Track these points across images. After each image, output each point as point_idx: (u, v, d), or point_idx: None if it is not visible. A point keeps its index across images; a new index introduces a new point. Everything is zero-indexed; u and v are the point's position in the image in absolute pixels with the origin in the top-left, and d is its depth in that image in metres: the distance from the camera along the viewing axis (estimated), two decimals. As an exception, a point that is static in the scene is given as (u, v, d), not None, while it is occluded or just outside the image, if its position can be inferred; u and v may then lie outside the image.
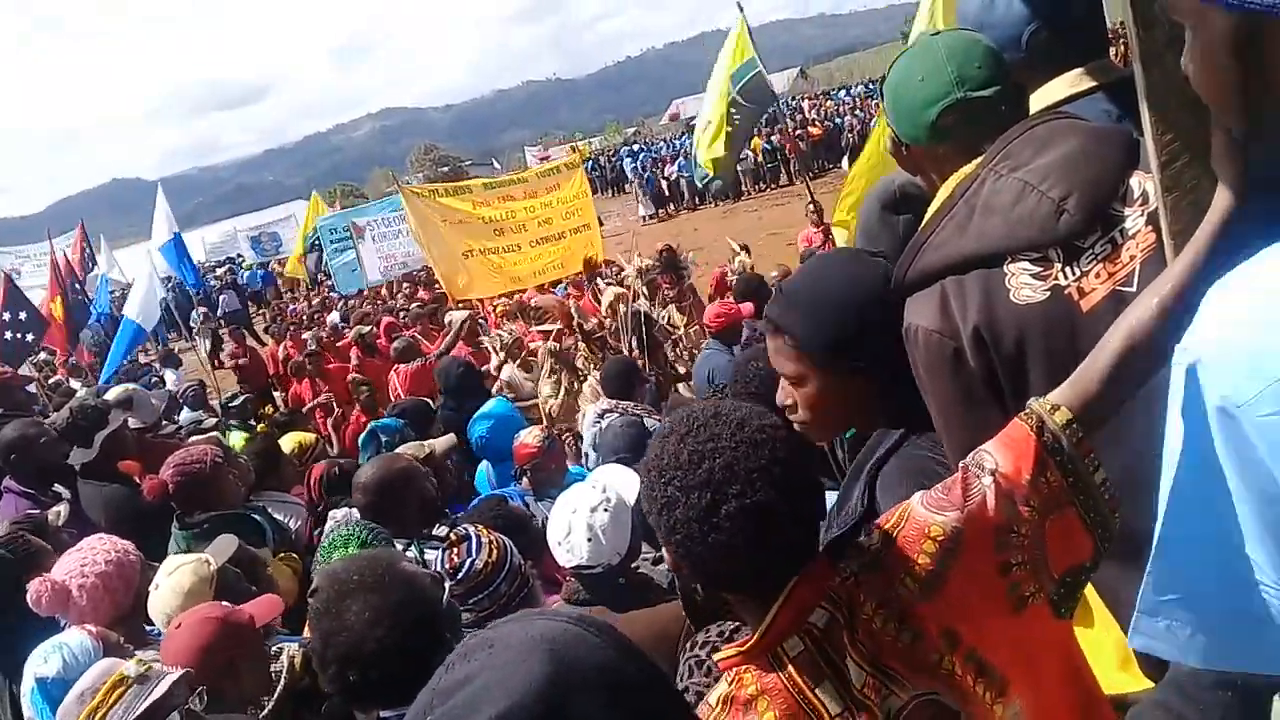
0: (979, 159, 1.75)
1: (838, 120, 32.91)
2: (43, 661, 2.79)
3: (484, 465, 5.17)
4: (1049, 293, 1.59)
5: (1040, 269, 1.60)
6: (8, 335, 11.09)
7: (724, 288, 9.22)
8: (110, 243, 15.89)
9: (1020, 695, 1.33)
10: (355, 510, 3.88)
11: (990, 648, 1.32)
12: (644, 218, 30.69)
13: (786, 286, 1.93)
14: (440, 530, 3.82)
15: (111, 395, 6.25)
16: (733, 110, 10.17)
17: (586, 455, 5.35)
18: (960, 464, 1.37)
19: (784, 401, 1.88)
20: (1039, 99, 1.92)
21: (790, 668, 1.31)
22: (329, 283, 21.37)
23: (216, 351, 17.33)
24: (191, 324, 16.78)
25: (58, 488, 4.53)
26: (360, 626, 1.93)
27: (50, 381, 13.11)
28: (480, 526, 2.96)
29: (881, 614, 1.32)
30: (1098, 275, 1.57)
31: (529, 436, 4.64)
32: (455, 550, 2.84)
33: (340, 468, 4.44)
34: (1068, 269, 1.59)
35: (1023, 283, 1.61)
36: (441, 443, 4.92)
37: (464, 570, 2.78)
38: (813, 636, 1.32)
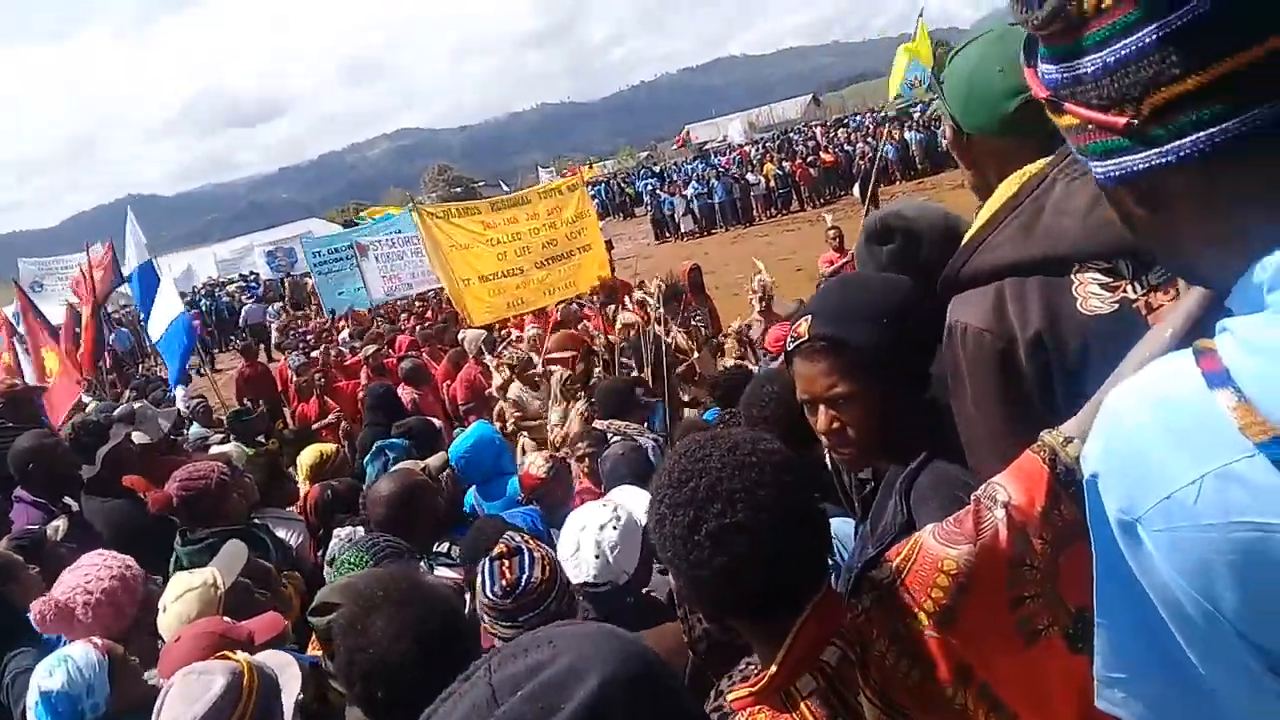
0: (1041, 161, 1.69)
1: (849, 148, 32.99)
2: (48, 675, 2.78)
3: (472, 489, 5.18)
4: (1117, 305, 1.52)
5: (1109, 280, 1.54)
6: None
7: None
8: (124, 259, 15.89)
9: None
10: (359, 529, 3.90)
11: (1003, 683, 1.30)
12: (654, 241, 30.77)
13: (826, 304, 1.91)
14: (442, 547, 3.84)
15: (118, 411, 6.28)
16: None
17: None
18: (973, 496, 1.36)
19: (828, 426, 1.84)
20: None
21: (803, 706, 1.30)
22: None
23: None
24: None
25: (68, 500, 4.54)
26: (385, 641, 1.92)
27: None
28: (529, 539, 2.77)
29: (894, 650, 1.30)
30: (1166, 292, 1.49)
31: (535, 467, 4.62)
32: (508, 564, 2.59)
33: (334, 490, 4.43)
34: (1136, 283, 1.52)
35: (1090, 292, 1.54)
36: (435, 461, 4.96)
37: (521, 586, 2.54)
38: (825, 674, 1.31)
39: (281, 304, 27.97)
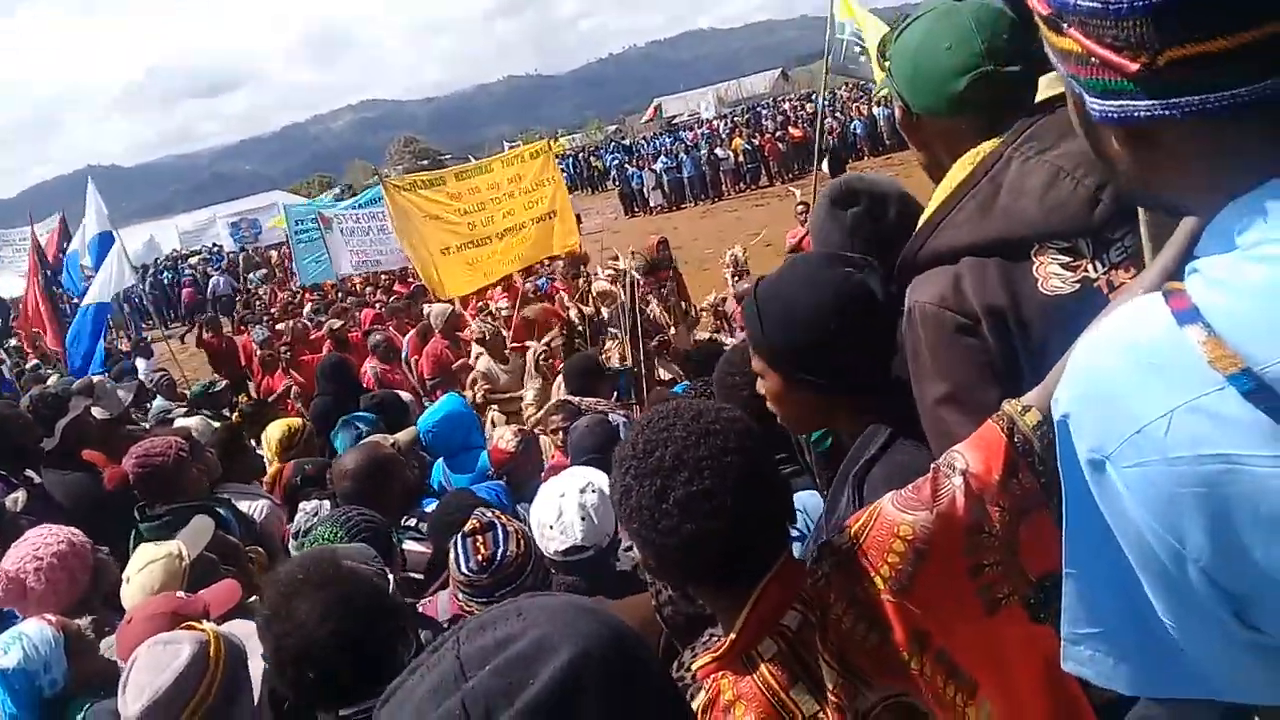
0: (994, 139, 1.69)
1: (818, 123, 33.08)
2: (2, 653, 2.74)
3: (439, 461, 5.14)
4: (1079, 284, 1.54)
5: (1070, 259, 1.55)
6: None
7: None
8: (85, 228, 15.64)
9: (991, 698, 1.33)
10: (324, 503, 3.86)
11: (961, 649, 1.31)
12: (623, 215, 30.75)
13: (759, 287, 1.90)
14: (409, 521, 3.80)
15: (76, 384, 6.17)
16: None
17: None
18: (933, 464, 1.36)
19: (759, 390, 1.90)
20: (1048, 84, 1.79)
21: (764, 669, 1.31)
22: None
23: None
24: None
25: (29, 472, 4.45)
26: (311, 623, 1.89)
27: (27, 367, 12.98)
28: (502, 514, 2.75)
29: (851, 614, 1.31)
30: (1127, 270, 1.52)
31: (503, 441, 4.60)
32: (481, 539, 2.58)
33: (305, 471, 4.39)
34: (1097, 261, 1.54)
35: (1051, 272, 1.56)
36: (404, 435, 4.92)
37: (496, 561, 2.54)
38: (785, 638, 1.32)
39: (256, 274, 27.87)
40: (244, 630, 2.43)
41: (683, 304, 9.22)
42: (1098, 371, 0.91)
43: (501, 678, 0.81)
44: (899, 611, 1.30)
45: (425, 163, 50.12)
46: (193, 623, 2.44)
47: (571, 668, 0.81)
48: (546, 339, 7.96)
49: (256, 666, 2.36)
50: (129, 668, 2.25)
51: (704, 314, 9.95)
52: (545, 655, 0.82)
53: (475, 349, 8.30)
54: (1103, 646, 1.02)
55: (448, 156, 56.30)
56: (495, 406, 7.57)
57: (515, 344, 8.49)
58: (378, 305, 13.23)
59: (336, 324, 11.11)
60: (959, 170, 1.73)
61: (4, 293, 17.27)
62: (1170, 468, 0.83)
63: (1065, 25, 0.91)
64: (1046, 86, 1.76)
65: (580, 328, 8.24)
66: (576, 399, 5.44)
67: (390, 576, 2.54)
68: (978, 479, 1.30)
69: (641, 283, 8.30)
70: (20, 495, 4.13)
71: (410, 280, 15.23)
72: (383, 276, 16.98)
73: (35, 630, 2.79)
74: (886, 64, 1.93)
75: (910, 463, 1.68)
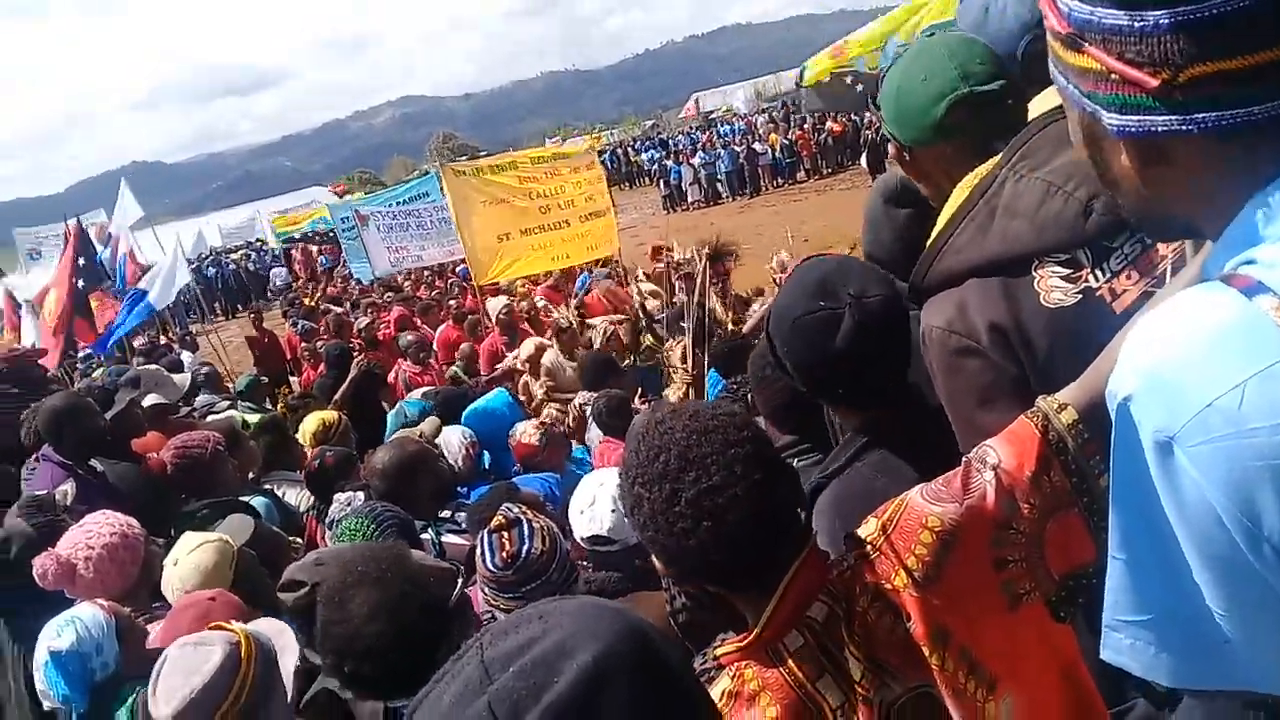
0: (993, 159, 1.73)
1: (856, 117, 32.77)
2: (56, 635, 2.80)
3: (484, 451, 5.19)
4: (1080, 295, 1.56)
5: (1070, 271, 1.58)
6: (78, 283, 11.05)
7: None
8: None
9: (1010, 694, 1.33)
10: (358, 495, 3.91)
11: (981, 644, 1.32)
12: (661, 211, 30.70)
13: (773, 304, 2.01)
14: (445, 512, 3.85)
15: (123, 377, 6.29)
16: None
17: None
18: (964, 458, 1.37)
19: None
20: (1037, 106, 1.86)
21: (791, 662, 1.32)
22: (343, 272, 21.54)
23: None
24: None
25: (93, 462, 4.50)
26: (358, 620, 1.95)
27: (78, 358, 13.23)
28: (528, 510, 2.75)
29: (876, 606, 1.32)
30: (1129, 276, 1.54)
31: (526, 436, 4.63)
32: (507, 535, 2.58)
33: (323, 460, 4.44)
34: (1098, 270, 1.56)
35: (1053, 285, 1.58)
36: (427, 426, 4.98)
37: (521, 558, 2.53)
38: (812, 630, 1.32)
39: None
40: (273, 629, 2.45)
41: (744, 296, 8.99)
42: (1162, 352, 0.90)
43: (526, 678, 0.82)
44: (922, 605, 1.30)
45: (464, 158, 50.35)
46: (222, 623, 2.45)
47: (595, 666, 0.82)
48: (607, 330, 7.87)
49: (287, 665, 2.38)
50: (158, 669, 2.26)
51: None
52: (568, 655, 0.83)
53: (525, 348, 8.15)
54: (1145, 635, 1.01)
55: (485, 153, 56.52)
56: (555, 405, 7.32)
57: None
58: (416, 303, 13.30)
59: (365, 322, 11.18)
60: (959, 194, 1.77)
61: (29, 293, 17.61)
62: (1245, 440, 0.82)
63: (1085, 43, 0.93)
64: (1039, 104, 1.81)
65: (642, 322, 8.10)
66: (591, 395, 5.49)
67: (459, 581, 2.57)
68: (1009, 474, 1.30)
69: (708, 274, 8.17)
70: (69, 487, 4.20)
71: (448, 275, 15.31)
72: (424, 273, 17.07)
73: (89, 614, 2.85)
74: (876, 108, 2.05)
75: (859, 487, 1.77)
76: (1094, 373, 1.32)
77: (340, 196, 26.41)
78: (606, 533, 2.66)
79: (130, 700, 2.78)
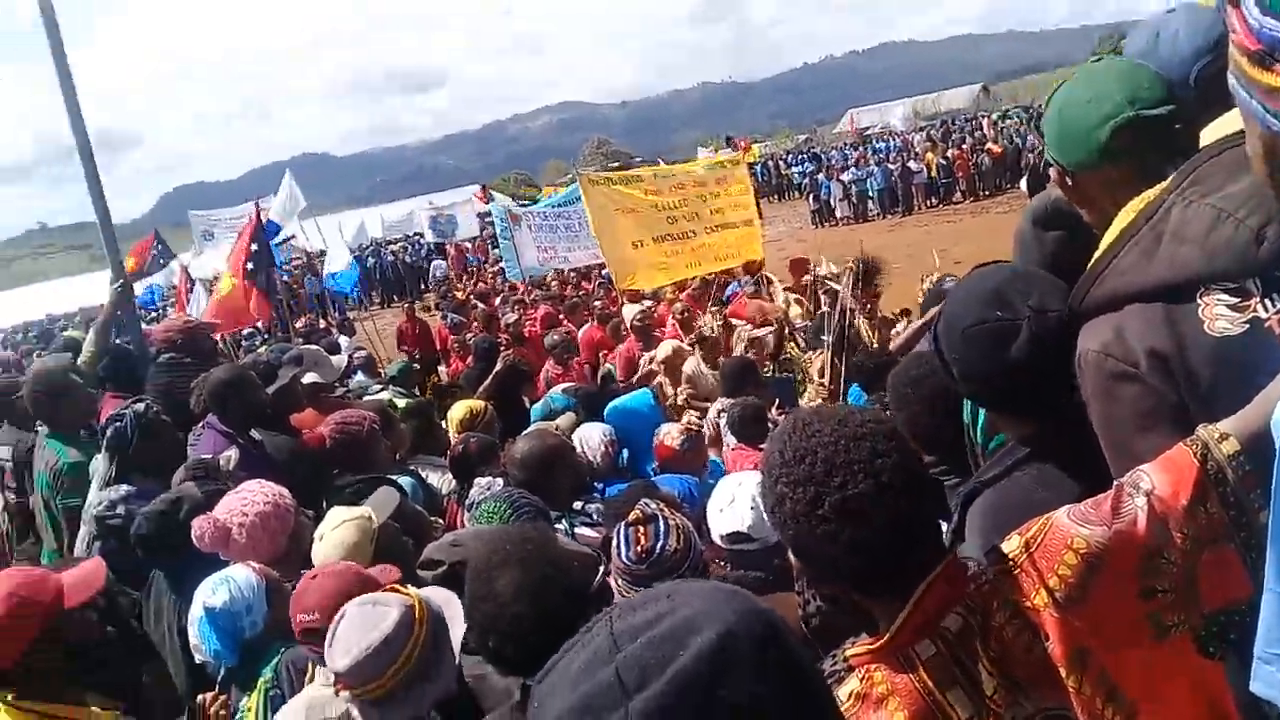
0: (1160, 184, 1.68)
1: (1018, 139, 31.79)
2: (211, 592, 2.96)
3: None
4: (1248, 325, 1.49)
5: (1238, 300, 1.51)
6: (250, 267, 11.73)
7: None
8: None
9: None
10: (497, 480, 4.00)
11: (1123, 672, 1.29)
12: (809, 225, 30.48)
13: (944, 303, 1.98)
14: (578, 505, 3.91)
15: (287, 355, 6.59)
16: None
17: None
18: (1115, 482, 1.34)
19: None
20: (1211, 133, 1.80)
21: (921, 670, 1.31)
22: (495, 268, 22.17)
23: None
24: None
25: (254, 432, 4.75)
26: (504, 599, 2.03)
27: (241, 333, 14.03)
28: (665, 507, 2.76)
29: (1014, 623, 1.31)
30: None
31: (669, 438, 4.65)
32: (643, 530, 2.59)
33: (467, 445, 4.55)
34: (1268, 300, 1.49)
35: (1218, 314, 1.52)
36: (564, 421, 5.06)
37: (656, 553, 2.55)
38: (945, 640, 1.32)
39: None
40: (442, 598, 2.53)
41: (890, 316, 8.79)
42: None
43: (654, 649, 0.84)
44: (1062, 626, 1.28)
45: (616, 165, 50.94)
46: (397, 586, 2.54)
47: (720, 641, 0.84)
48: (754, 336, 7.83)
49: (456, 634, 2.43)
50: (335, 624, 2.35)
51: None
52: (695, 630, 0.85)
53: (662, 349, 8.15)
54: None
55: (639, 160, 57.12)
56: (694, 413, 7.40)
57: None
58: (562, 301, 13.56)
59: (512, 318, 11.40)
60: (1124, 217, 1.73)
61: (202, 272, 18.63)
62: None
63: (1277, 61, 0.89)
64: (1210, 133, 1.75)
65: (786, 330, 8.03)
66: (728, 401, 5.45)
67: (601, 568, 2.61)
68: (1162, 502, 1.28)
69: (855, 293, 7.99)
70: (232, 453, 4.43)
71: (594, 278, 15.53)
72: (570, 274, 17.36)
73: (242, 575, 3.01)
74: (1039, 132, 2.04)
75: (1006, 503, 1.73)
76: (1259, 404, 1.29)
77: (485, 201, 27.36)
78: (747, 529, 2.69)
79: (275, 660, 2.92)
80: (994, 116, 44.02)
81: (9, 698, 2.43)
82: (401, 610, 2.32)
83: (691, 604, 0.89)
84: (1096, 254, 1.74)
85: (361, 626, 2.29)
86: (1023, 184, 23.99)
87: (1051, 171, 2.00)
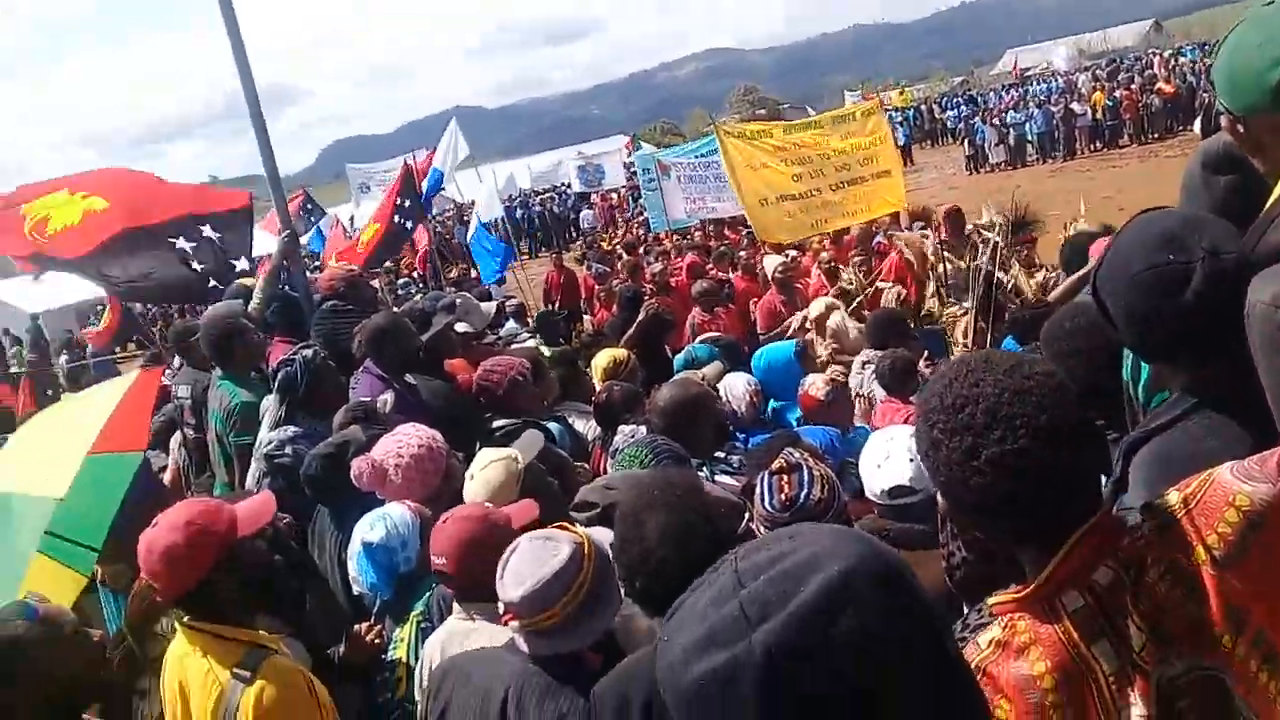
0: None
1: (1193, 78, 29.73)
2: (369, 529, 3.12)
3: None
4: None
5: None
6: (396, 220, 12.21)
7: None
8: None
9: None
10: (640, 427, 4.06)
11: None
12: (963, 171, 29.39)
13: (1108, 246, 1.87)
14: (720, 453, 3.93)
15: (441, 302, 6.81)
16: None
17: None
18: None
19: None
20: None
21: (1067, 621, 1.29)
22: (637, 221, 22.24)
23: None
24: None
25: (408, 377, 4.95)
26: (651, 541, 2.11)
27: (398, 282, 14.55)
28: (810, 457, 2.77)
29: (1168, 579, 1.27)
30: None
31: (814, 389, 4.62)
32: (787, 478, 2.60)
33: (611, 393, 4.62)
34: None
35: None
36: (710, 371, 5.07)
37: (800, 502, 2.55)
38: (1094, 593, 1.29)
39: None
40: (606, 537, 2.57)
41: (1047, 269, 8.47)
42: None
43: (776, 586, 0.87)
44: (1219, 584, 1.24)
45: (762, 112, 50.10)
46: (566, 524, 2.61)
47: (841, 578, 0.86)
48: (900, 293, 7.67)
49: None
50: (507, 556, 2.42)
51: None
52: (816, 569, 0.87)
53: (814, 307, 7.97)
54: None
55: (785, 106, 56.00)
56: (839, 368, 7.29)
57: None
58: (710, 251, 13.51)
59: (658, 268, 11.43)
60: None
61: (360, 223, 19.43)
62: None
63: None
64: None
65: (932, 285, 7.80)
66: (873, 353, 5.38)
67: (745, 514, 2.64)
68: None
69: (1003, 246, 7.62)
70: (389, 396, 4.62)
71: (740, 229, 15.43)
72: (712, 225, 17.27)
73: (398, 513, 3.16)
74: (1210, 82, 1.87)
75: (1174, 453, 1.65)
76: None
77: (629, 152, 27.48)
78: (908, 482, 2.66)
79: (427, 595, 3.06)
80: (1166, 54, 41.35)
81: (184, 619, 2.62)
82: (572, 547, 2.38)
83: (814, 544, 0.91)
84: (1271, 201, 1.67)
85: (534, 560, 2.36)
86: (1196, 125, 22.52)
87: (1222, 119, 1.89)
